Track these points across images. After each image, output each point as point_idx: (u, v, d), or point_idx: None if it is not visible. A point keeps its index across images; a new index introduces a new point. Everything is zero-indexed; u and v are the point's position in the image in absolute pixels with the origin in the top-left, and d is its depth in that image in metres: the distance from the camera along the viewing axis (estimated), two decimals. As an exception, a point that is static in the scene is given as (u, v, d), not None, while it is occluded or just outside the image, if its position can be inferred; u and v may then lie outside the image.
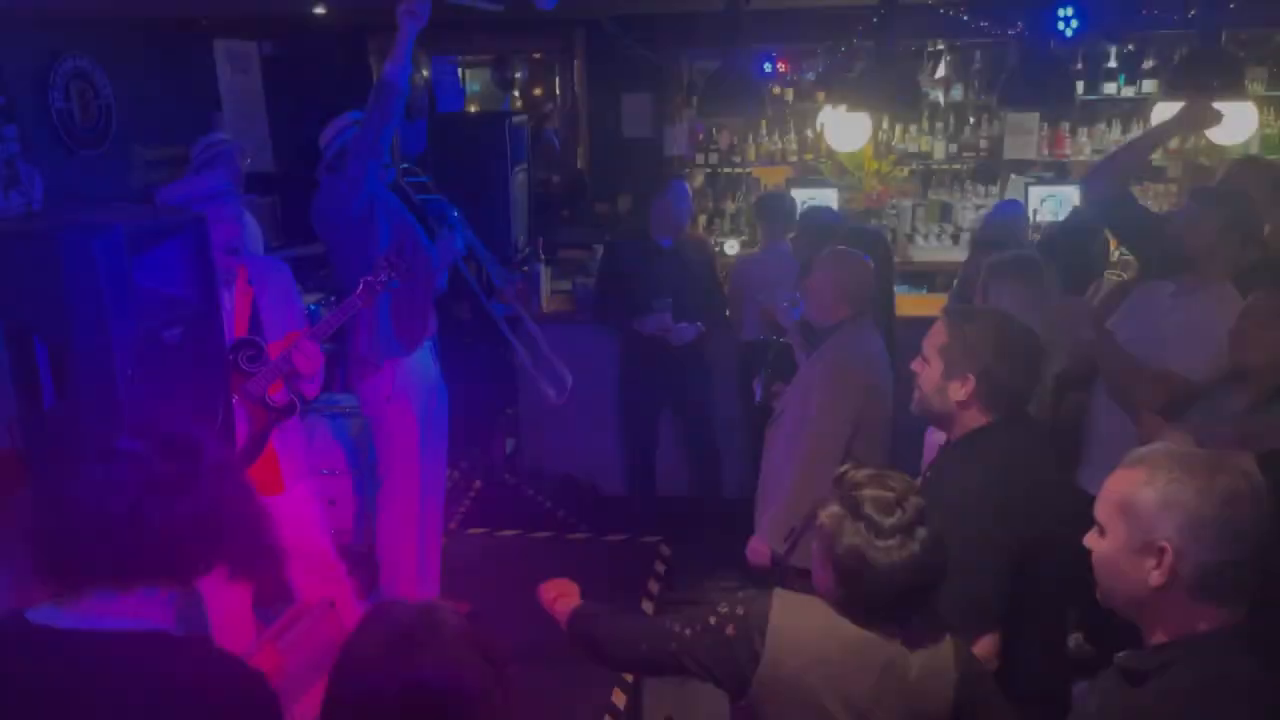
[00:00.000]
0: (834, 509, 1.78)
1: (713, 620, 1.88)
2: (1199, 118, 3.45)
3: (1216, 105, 3.40)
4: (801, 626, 1.82)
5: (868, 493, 1.76)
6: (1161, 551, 1.48)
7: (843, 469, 1.86)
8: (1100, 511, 1.59)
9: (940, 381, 2.22)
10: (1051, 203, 5.70)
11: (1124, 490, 1.54)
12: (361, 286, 3.45)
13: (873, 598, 1.76)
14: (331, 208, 3.67)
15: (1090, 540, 1.61)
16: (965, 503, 2.08)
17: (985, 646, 2.05)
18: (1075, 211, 4.67)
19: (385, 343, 3.83)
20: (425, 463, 4.04)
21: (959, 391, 2.19)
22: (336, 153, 3.74)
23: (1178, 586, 1.49)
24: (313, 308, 4.73)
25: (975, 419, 2.21)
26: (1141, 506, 1.51)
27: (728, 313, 4.91)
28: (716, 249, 6.02)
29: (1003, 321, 2.26)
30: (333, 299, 4.95)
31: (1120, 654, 1.59)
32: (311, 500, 3.48)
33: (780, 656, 1.80)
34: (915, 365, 2.32)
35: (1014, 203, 5.24)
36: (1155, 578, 1.49)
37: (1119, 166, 3.39)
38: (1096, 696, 1.65)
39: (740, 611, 1.87)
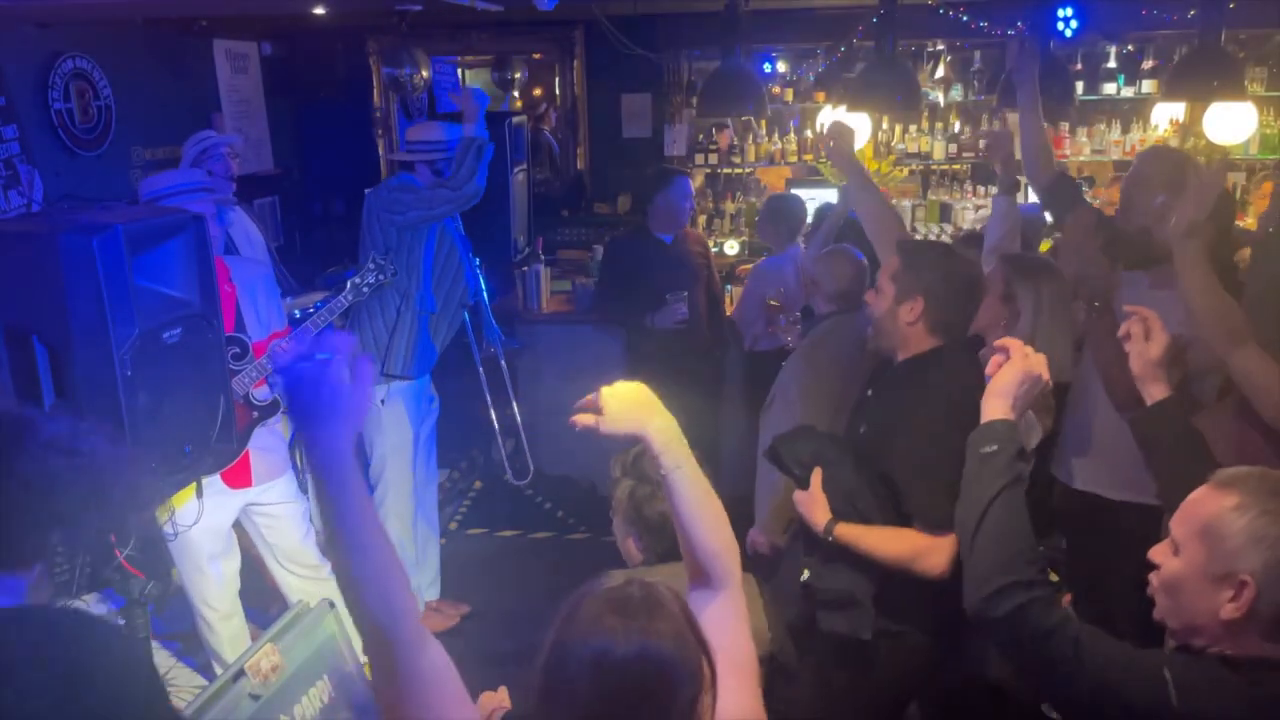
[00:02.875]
0: (625, 484, 2.02)
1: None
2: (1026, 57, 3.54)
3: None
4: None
5: (647, 460, 1.90)
6: (1242, 585, 1.41)
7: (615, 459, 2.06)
8: (1179, 528, 1.52)
9: (892, 305, 2.42)
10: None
11: (1211, 513, 1.46)
12: (348, 286, 3.47)
13: (673, 544, 1.85)
14: (394, 211, 3.79)
15: (1160, 555, 1.54)
16: (916, 411, 2.31)
17: (946, 545, 2.18)
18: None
19: (418, 362, 3.88)
20: (418, 463, 4.06)
21: (909, 313, 2.39)
22: (425, 158, 3.91)
23: (1250, 622, 1.42)
24: (318, 305, 4.73)
25: (923, 342, 2.41)
26: (1228, 535, 1.43)
27: (734, 317, 4.89)
28: (716, 249, 6.02)
29: (948, 253, 2.53)
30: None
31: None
32: (294, 499, 3.49)
33: None
34: (868, 296, 2.54)
35: (1035, 206, 5.19)
36: (1229, 610, 1.42)
37: (1030, 146, 3.51)
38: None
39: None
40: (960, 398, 2.20)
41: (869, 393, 2.57)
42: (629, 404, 1.59)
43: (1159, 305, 2.22)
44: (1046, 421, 3.03)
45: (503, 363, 4.78)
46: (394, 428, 3.95)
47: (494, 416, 4.83)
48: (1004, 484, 1.68)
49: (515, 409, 4.86)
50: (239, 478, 3.28)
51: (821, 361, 3.20)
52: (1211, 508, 1.46)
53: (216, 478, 3.20)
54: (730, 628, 1.50)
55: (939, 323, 2.40)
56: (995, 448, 1.73)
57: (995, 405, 1.80)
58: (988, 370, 1.86)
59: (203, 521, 3.18)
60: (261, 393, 3.26)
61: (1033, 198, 5.82)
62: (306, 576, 3.51)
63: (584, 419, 1.59)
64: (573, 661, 1.29)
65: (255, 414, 3.26)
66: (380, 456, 3.97)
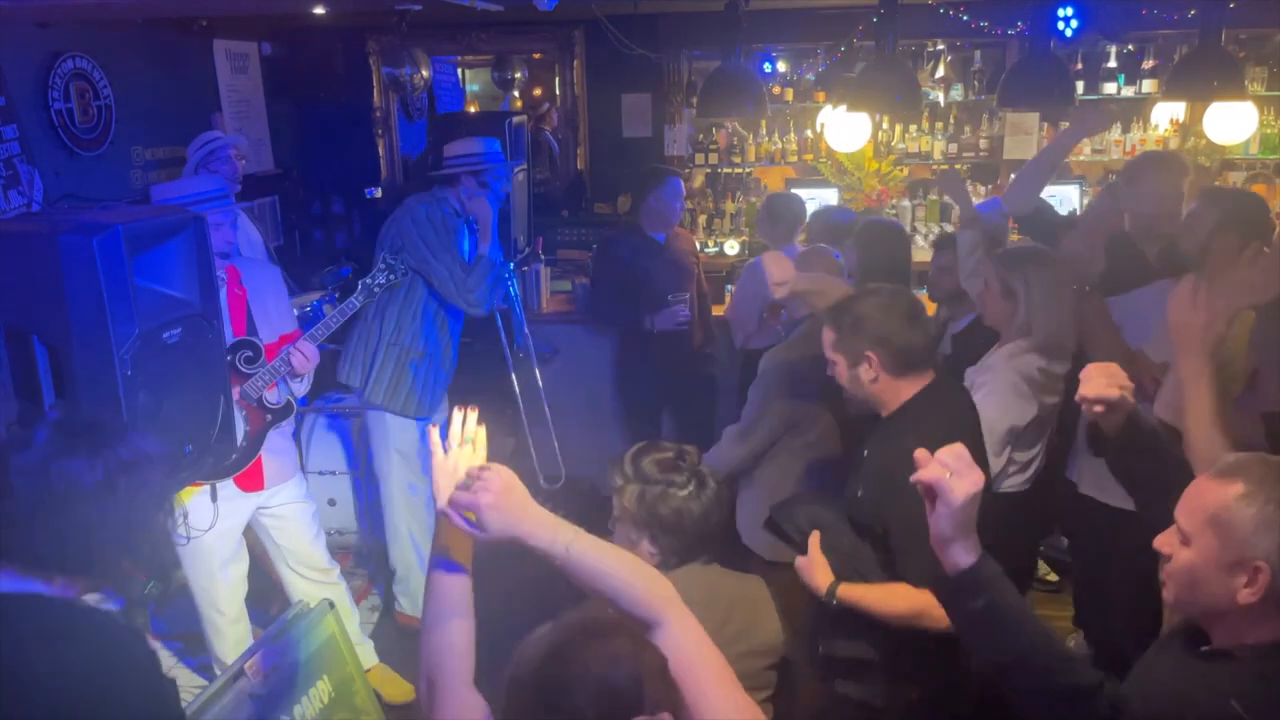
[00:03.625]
0: (632, 489, 1.98)
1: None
2: (1093, 122, 3.98)
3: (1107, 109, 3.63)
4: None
5: (647, 461, 1.96)
6: (1256, 570, 1.45)
7: (627, 452, 2.04)
8: (1185, 519, 1.54)
9: (849, 372, 2.36)
10: (1052, 203, 5.69)
11: (1218, 502, 1.49)
12: (359, 288, 3.47)
13: (690, 539, 1.95)
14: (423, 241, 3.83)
15: (1169, 546, 1.56)
16: (907, 468, 2.13)
17: None
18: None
19: (417, 401, 3.94)
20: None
21: (868, 373, 2.32)
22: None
23: (1268, 604, 1.46)
24: (314, 304, 4.73)
25: (898, 391, 2.33)
26: (1238, 523, 1.46)
27: (728, 313, 4.89)
28: (716, 249, 6.03)
29: (871, 294, 2.40)
30: (334, 295, 4.95)
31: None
32: (303, 501, 3.49)
33: None
34: (830, 370, 2.44)
35: (996, 200, 5.21)
36: (1245, 595, 1.46)
37: (1031, 181, 3.75)
38: (1168, 659, 1.62)
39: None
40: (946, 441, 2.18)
41: (864, 453, 2.47)
42: (502, 513, 1.55)
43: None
44: (1046, 400, 3.02)
45: (536, 369, 4.77)
46: (399, 427, 3.94)
47: (524, 420, 4.82)
48: (1013, 622, 1.58)
49: (547, 413, 4.84)
50: (252, 481, 3.28)
51: (784, 362, 3.20)
52: (1218, 497, 1.49)
53: (230, 482, 3.21)
54: (692, 649, 1.46)
55: (900, 364, 2.32)
56: (983, 601, 1.58)
57: (954, 552, 1.59)
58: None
59: (217, 526, 3.18)
60: (274, 396, 3.26)
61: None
62: (316, 580, 3.50)
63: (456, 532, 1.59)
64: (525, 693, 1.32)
65: (269, 417, 3.26)
66: (384, 455, 3.98)
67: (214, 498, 3.18)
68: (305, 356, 3.25)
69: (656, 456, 1.99)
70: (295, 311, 3.92)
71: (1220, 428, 1.97)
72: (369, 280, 3.49)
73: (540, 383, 4.78)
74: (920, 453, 1.64)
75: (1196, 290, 2.05)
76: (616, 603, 1.51)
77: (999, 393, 2.92)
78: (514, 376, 4.69)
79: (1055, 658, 1.58)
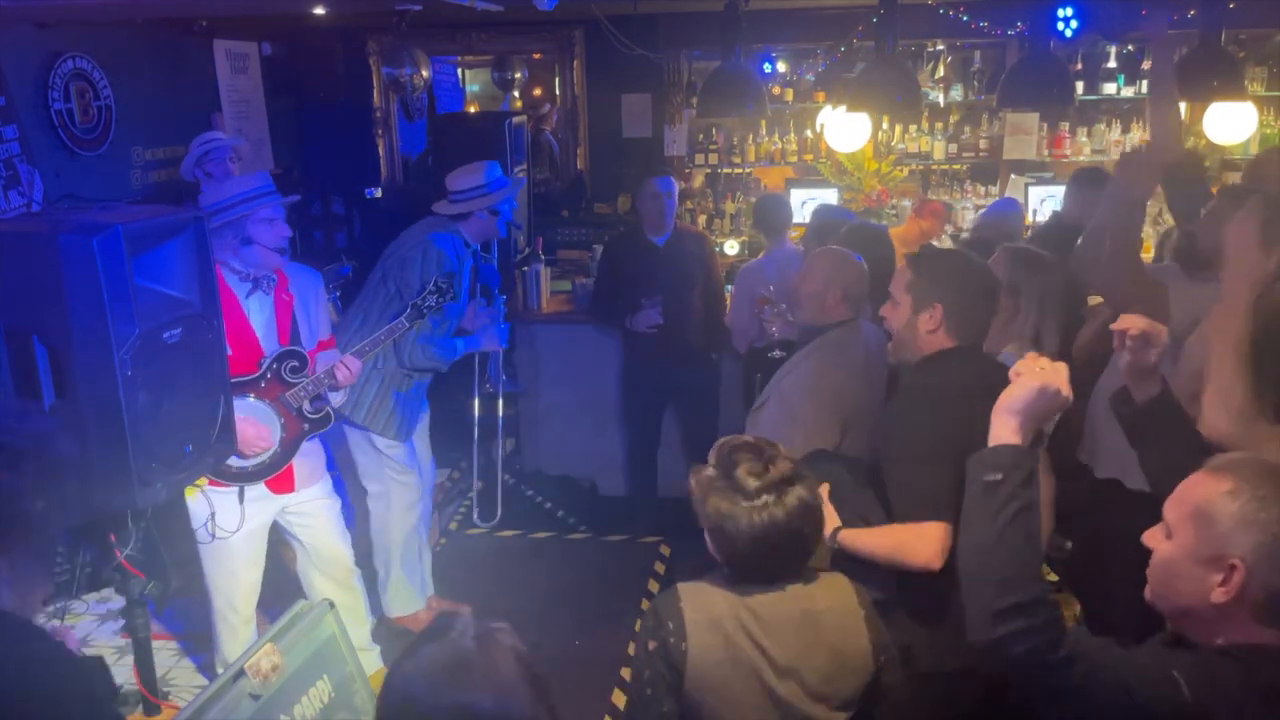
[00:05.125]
0: (708, 472, 1.89)
1: (642, 648, 1.94)
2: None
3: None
4: (711, 605, 1.89)
5: (741, 457, 1.88)
6: (1232, 569, 1.42)
7: (721, 441, 1.96)
8: (1171, 512, 1.52)
9: (910, 316, 2.42)
10: (1051, 203, 5.69)
11: (1203, 496, 1.47)
12: (409, 309, 3.47)
13: (745, 558, 1.87)
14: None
15: (1152, 539, 1.55)
16: (920, 400, 2.33)
17: (931, 533, 2.19)
18: (1055, 215, 4.65)
19: (396, 426, 3.87)
20: (418, 468, 4.02)
21: (929, 322, 2.38)
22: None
23: (1240, 606, 1.43)
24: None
25: (941, 344, 2.40)
26: (1219, 518, 1.43)
27: (728, 318, 4.89)
28: (716, 249, 6.01)
29: (960, 257, 2.52)
30: (336, 295, 4.94)
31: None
32: (330, 499, 3.48)
33: (703, 641, 1.87)
34: (884, 310, 2.51)
35: (1011, 201, 5.23)
36: (1219, 594, 1.43)
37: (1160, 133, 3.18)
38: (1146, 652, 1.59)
39: (652, 622, 1.93)
40: (956, 394, 2.25)
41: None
42: None
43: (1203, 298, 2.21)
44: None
45: (499, 403, 4.74)
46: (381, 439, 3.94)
47: (475, 453, 4.80)
48: (1009, 516, 1.58)
49: (500, 452, 4.83)
50: (283, 483, 3.26)
51: (828, 383, 3.14)
52: (1204, 492, 1.47)
53: (261, 484, 3.20)
54: None
55: (957, 327, 2.39)
56: (999, 476, 1.60)
57: (1003, 425, 1.66)
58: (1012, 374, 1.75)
59: (244, 527, 3.18)
60: (312, 406, 3.24)
61: (1034, 199, 5.86)
62: (340, 581, 3.47)
63: None
64: None
65: (306, 426, 3.24)
66: (365, 465, 3.97)
67: (241, 499, 3.17)
68: (350, 371, 3.28)
69: (749, 459, 1.89)
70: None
71: (1241, 370, 1.95)
72: (419, 301, 3.49)
73: (500, 423, 4.77)
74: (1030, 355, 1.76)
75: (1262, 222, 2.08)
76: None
77: None
78: (475, 404, 4.68)
79: (1027, 573, 1.56)
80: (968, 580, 1.61)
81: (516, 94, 7.95)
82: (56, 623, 3.21)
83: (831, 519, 2.34)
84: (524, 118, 5.61)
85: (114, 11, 4.31)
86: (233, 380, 2.91)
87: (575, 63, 6.37)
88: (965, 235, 5.67)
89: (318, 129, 6.47)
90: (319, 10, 4.54)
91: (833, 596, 1.95)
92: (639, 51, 5.78)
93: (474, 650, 1.33)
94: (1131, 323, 1.95)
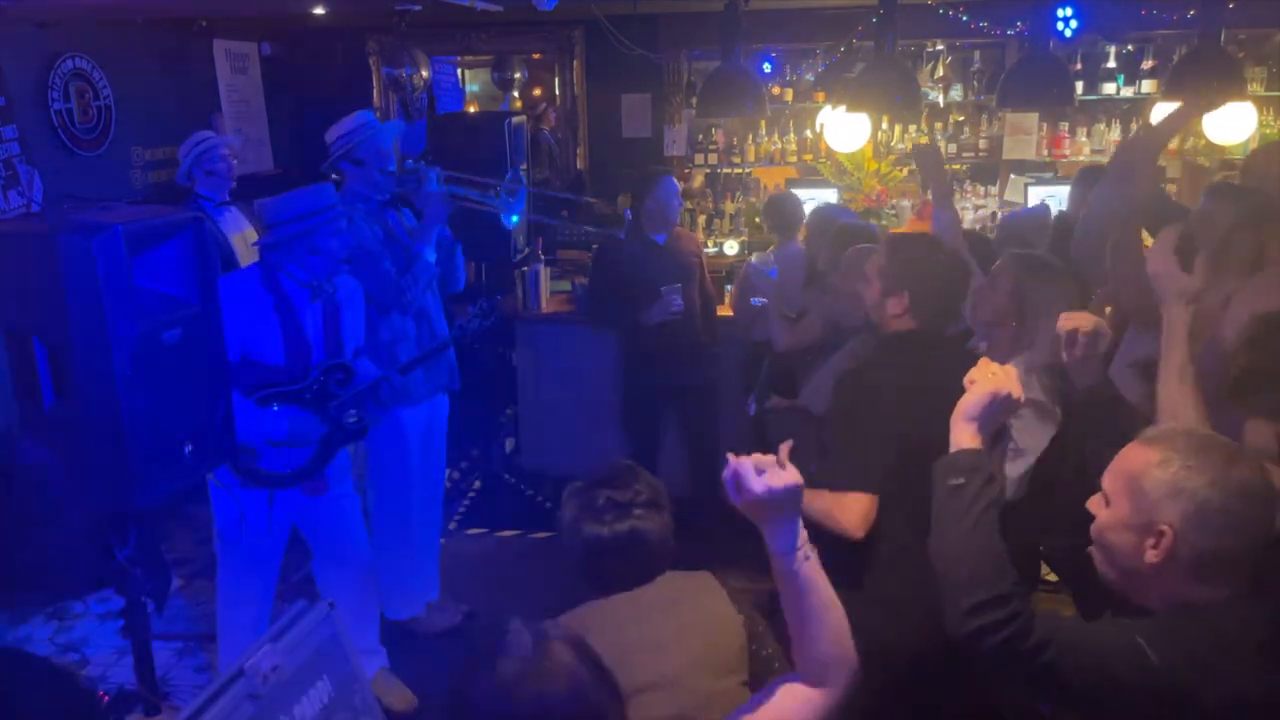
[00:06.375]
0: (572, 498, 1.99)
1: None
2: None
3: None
4: (610, 626, 1.88)
5: (603, 485, 1.97)
6: (1161, 534, 1.51)
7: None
8: (1108, 482, 1.62)
9: (879, 299, 2.54)
10: (1051, 203, 5.69)
11: (1136, 467, 1.57)
12: (454, 328, 3.48)
13: (607, 571, 1.94)
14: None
15: (1094, 506, 1.64)
16: (871, 376, 2.47)
17: (856, 503, 2.30)
18: (1060, 215, 4.64)
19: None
20: (416, 470, 3.99)
21: (895, 306, 2.50)
22: (342, 154, 3.72)
23: (1173, 567, 1.52)
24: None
25: (906, 325, 2.53)
26: (1150, 487, 1.53)
27: (734, 314, 4.88)
28: (715, 249, 6.02)
29: (934, 247, 2.63)
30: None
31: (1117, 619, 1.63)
32: (351, 498, 3.48)
33: (617, 663, 1.87)
34: (859, 286, 2.64)
35: (1042, 206, 5.18)
36: (1151, 556, 1.52)
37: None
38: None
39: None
40: (906, 377, 2.39)
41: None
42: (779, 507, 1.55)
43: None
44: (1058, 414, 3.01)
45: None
46: (391, 435, 3.90)
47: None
48: (974, 517, 1.67)
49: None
50: (315, 486, 3.27)
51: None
52: (1137, 462, 1.57)
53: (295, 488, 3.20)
54: None
55: (921, 314, 2.51)
56: (961, 480, 1.70)
57: (960, 431, 1.77)
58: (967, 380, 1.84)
59: (271, 527, 3.18)
60: (349, 417, 3.24)
61: (1033, 199, 5.86)
62: (354, 580, 3.46)
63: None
64: None
65: (342, 435, 3.22)
66: (376, 462, 3.96)
67: (270, 501, 3.17)
68: (393, 388, 3.36)
69: (606, 477, 2.01)
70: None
71: (1189, 380, 2.08)
72: (464, 320, 3.52)
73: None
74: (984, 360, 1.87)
75: (1176, 242, 2.23)
76: (805, 631, 1.57)
77: (1024, 417, 2.88)
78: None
79: (994, 568, 1.63)
80: (941, 579, 1.69)
81: (516, 94, 7.95)
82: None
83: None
84: (523, 118, 5.61)
85: (114, 11, 4.32)
86: (281, 389, 2.97)
87: (575, 62, 6.38)
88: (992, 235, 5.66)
89: (318, 129, 6.46)
90: (319, 10, 4.55)
91: (696, 589, 2.03)
92: (639, 51, 5.79)
93: (536, 654, 1.36)
94: (1080, 321, 2.06)
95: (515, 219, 4.21)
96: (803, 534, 1.55)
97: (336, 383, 3.17)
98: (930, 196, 4.97)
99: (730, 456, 1.56)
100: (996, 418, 1.80)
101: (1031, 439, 2.87)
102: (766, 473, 1.52)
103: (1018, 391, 1.79)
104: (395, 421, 3.87)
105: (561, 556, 1.95)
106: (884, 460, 2.34)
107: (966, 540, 1.66)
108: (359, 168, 3.71)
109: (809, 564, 1.55)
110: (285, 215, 3.10)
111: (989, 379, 1.79)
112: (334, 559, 3.46)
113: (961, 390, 2.30)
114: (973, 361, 2.45)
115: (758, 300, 4.42)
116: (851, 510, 2.32)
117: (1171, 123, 3.51)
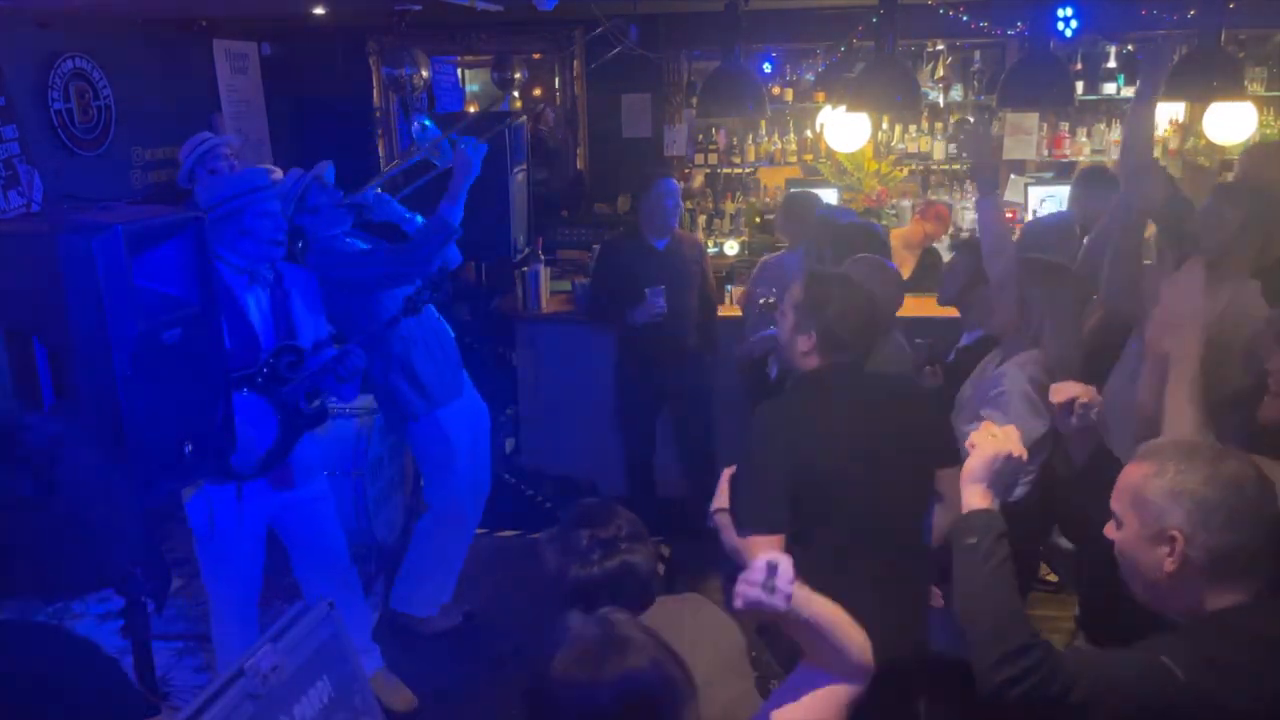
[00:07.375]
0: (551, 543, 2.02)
1: None
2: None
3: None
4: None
5: (582, 525, 1.97)
6: (1172, 540, 1.56)
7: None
8: (1116, 504, 1.67)
9: (791, 334, 2.56)
10: (1051, 203, 5.69)
11: (1136, 483, 1.63)
12: (403, 303, 3.47)
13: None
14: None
15: (1109, 532, 1.70)
16: (769, 420, 2.49)
17: (757, 546, 2.28)
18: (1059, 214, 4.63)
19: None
20: (463, 474, 4.03)
21: (805, 344, 2.52)
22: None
23: (1190, 571, 1.56)
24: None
25: (813, 364, 2.55)
26: (1152, 497, 1.59)
27: (741, 313, 4.87)
28: (716, 249, 6.02)
29: (846, 284, 2.60)
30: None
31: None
32: (325, 498, 3.48)
33: None
34: (777, 315, 2.68)
35: (1068, 213, 5.11)
36: (1168, 564, 1.57)
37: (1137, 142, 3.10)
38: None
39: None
40: (807, 417, 2.45)
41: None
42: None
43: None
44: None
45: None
46: (434, 440, 3.96)
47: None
48: (990, 571, 1.72)
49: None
50: (281, 479, 3.27)
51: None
52: (1135, 478, 1.64)
53: (261, 480, 3.20)
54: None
55: (830, 351, 2.52)
56: (975, 540, 1.75)
57: (970, 493, 1.83)
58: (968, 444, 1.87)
59: (242, 524, 3.17)
60: (310, 402, 3.23)
61: (1033, 199, 5.86)
62: (335, 580, 3.45)
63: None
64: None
65: (302, 422, 3.23)
66: (425, 467, 4.04)
67: (239, 496, 3.17)
68: (354, 358, 3.26)
69: (585, 515, 2.01)
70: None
71: (1197, 404, 2.15)
72: (413, 294, 3.52)
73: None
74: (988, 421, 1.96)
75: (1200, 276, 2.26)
76: (831, 648, 1.58)
77: (1014, 409, 2.89)
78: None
79: (1013, 620, 1.67)
80: (965, 635, 1.73)
81: (516, 94, 7.94)
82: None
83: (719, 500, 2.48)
84: (523, 118, 5.60)
85: (114, 11, 4.32)
86: (232, 374, 2.91)
87: (575, 62, 6.38)
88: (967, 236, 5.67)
89: (317, 129, 6.47)
90: (319, 10, 4.55)
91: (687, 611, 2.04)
92: (639, 51, 5.78)
93: (603, 633, 1.39)
94: (1070, 391, 2.09)
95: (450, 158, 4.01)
96: (801, 591, 1.53)
97: (288, 365, 3.14)
98: (973, 186, 4.89)
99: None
100: (1002, 477, 1.84)
101: (1026, 434, 2.88)
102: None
103: (1019, 451, 1.84)
104: (434, 423, 3.89)
105: (549, 607, 1.93)
106: (781, 501, 2.37)
107: (986, 594, 1.71)
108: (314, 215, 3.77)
109: (810, 605, 1.54)
110: (217, 198, 3.10)
111: (990, 441, 1.84)
112: (310, 562, 3.46)
113: (878, 425, 2.46)
114: (902, 396, 2.60)
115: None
116: (755, 553, 2.28)
117: (1152, 79, 3.36)
